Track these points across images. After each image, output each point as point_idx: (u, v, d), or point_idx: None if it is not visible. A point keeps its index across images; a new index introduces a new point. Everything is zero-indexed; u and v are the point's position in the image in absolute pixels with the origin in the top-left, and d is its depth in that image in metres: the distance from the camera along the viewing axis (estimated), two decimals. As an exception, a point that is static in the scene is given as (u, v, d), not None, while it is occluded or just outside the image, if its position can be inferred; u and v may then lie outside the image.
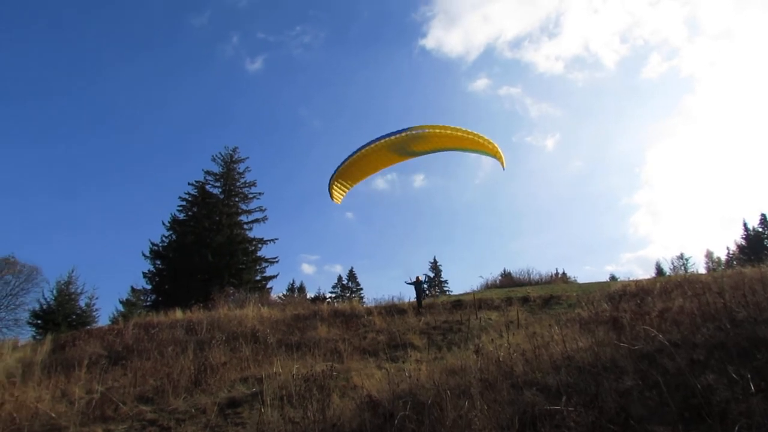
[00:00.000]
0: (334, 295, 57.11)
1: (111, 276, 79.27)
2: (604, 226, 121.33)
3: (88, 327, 30.70)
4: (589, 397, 5.79)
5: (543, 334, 10.56)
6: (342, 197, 19.48)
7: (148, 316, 24.30)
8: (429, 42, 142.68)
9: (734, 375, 5.56)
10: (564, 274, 33.98)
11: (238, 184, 42.22)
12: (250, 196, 42.26)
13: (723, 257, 56.20)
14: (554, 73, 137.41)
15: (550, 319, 14.39)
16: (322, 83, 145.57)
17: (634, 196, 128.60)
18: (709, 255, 57.74)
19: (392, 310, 20.51)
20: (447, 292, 55.46)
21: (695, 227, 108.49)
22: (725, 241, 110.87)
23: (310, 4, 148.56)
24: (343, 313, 20.45)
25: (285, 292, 47.65)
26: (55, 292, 36.48)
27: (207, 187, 41.54)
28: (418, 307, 20.62)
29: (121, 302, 37.07)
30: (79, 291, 37.39)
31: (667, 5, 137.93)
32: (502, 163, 17.38)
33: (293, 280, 59.58)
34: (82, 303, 37.05)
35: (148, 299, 37.69)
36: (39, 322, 34.92)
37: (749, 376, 5.42)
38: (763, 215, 55.44)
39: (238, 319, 20.20)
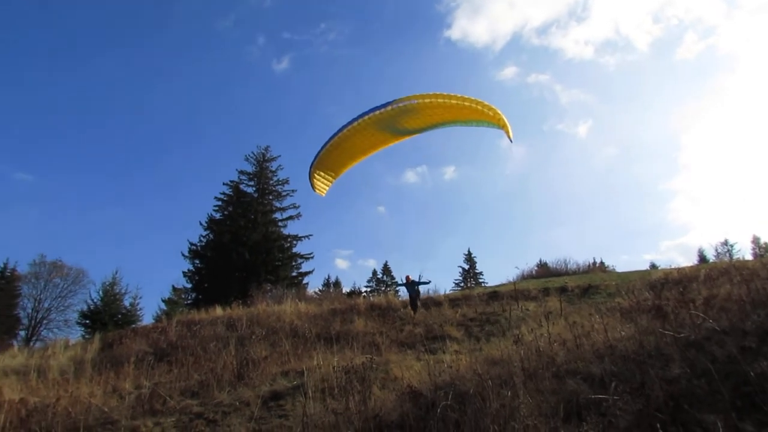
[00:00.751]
0: (369, 289, 57.41)
1: (153, 276, 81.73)
2: (641, 214, 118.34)
3: (134, 326, 31.69)
4: (635, 385, 5.68)
5: (583, 323, 10.38)
6: (327, 188, 17.20)
7: (190, 314, 24.93)
8: (454, 33, 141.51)
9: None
10: (602, 263, 33.33)
11: (271, 182, 42.83)
12: (284, 193, 42.86)
13: (772, 242, 54.03)
14: (584, 58, 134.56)
15: (590, 309, 14.15)
16: (348, 80, 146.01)
17: (672, 181, 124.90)
18: (755, 240, 55.57)
19: (428, 302, 20.51)
20: (482, 284, 55.13)
21: (739, 212, 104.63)
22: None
23: (332, 0, 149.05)
24: (380, 307, 20.54)
25: (321, 288, 48.18)
26: (101, 293, 37.84)
27: (241, 186, 42.31)
28: (413, 311, 18.73)
29: (163, 301, 38.15)
30: (123, 291, 38.70)
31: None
32: (508, 134, 14.19)
33: (328, 275, 60.27)
34: (126, 303, 38.34)
35: (189, 297, 38.67)
36: (87, 321, 36.26)
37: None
38: (812, 197, 53.13)
39: (277, 314, 20.52)
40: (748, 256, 42.96)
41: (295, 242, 41.12)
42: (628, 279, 19.77)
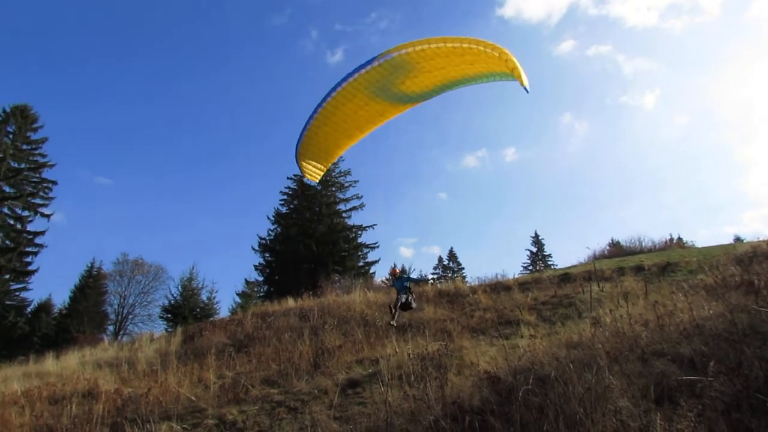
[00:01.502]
0: (436, 276, 57.36)
1: (227, 270, 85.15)
2: (718, 185, 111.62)
3: (212, 318, 33.23)
4: (731, 365, 5.37)
5: (665, 303, 9.92)
6: (320, 174, 14.77)
7: (264, 306, 25.81)
8: (507, 11, 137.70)
9: None
10: (679, 239, 31.71)
11: (333, 174, 43.46)
12: (346, 184, 43.44)
13: None
14: (647, 24, 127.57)
15: (670, 287, 13.50)
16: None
17: (750, 148, 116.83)
18: None
19: (497, 287, 20.23)
20: (552, 266, 53.84)
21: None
22: None
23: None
24: (448, 293, 20.48)
25: (388, 276, 48.59)
26: (180, 288, 39.90)
27: (305, 179, 43.22)
28: (393, 311, 14.78)
29: (237, 294, 39.78)
30: (200, 286, 40.62)
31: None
32: (521, 82, 10.86)
33: (394, 264, 60.55)
34: (204, 297, 40.22)
35: (262, 290, 40.04)
36: (169, 316, 38.37)
37: None
38: None
39: (347, 304, 20.88)
40: None
41: (360, 232, 41.65)
42: (710, 254, 18.69)
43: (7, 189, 36.84)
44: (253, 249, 41.01)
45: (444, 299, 19.47)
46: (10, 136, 37.82)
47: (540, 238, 63.67)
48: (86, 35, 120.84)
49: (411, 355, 9.99)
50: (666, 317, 8.48)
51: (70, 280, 45.81)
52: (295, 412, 9.20)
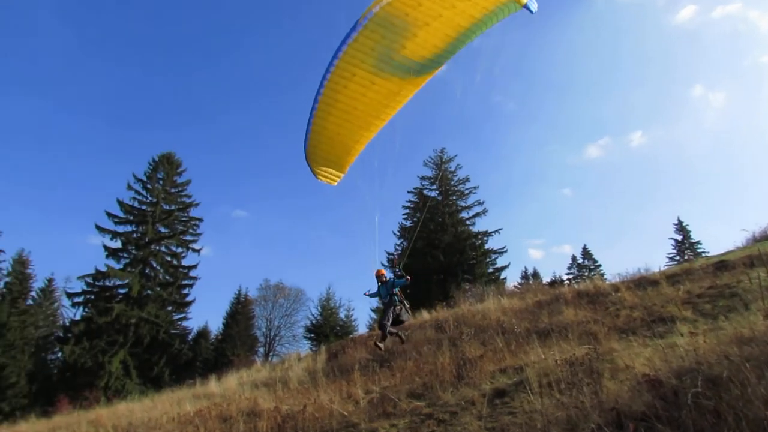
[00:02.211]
0: (571, 276, 54.78)
1: (360, 288, 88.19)
2: None
3: (352, 335, 34.60)
4: None
5: None
6: (338, 176, 12.85)
7: (399, 320, 26.26)
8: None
9: None
10: None
11: (452, 182, 43.49)
12: (466, 192, 43.23)
13: None
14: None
15: None
16: (506, 64, 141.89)
17: None
18: None
19: (641, 282, 18.79)
20: (703, 254, 48.99)
21: None
22: None
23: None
24: (587, 293, 19.41)
25: (520, 281, 47.40)
26: (319, 308, 42.14)
27: (425, 191, 43.77)
28: (381, 331, 11.41)
29: (372, 310, 41.03)
30: (337, 305, 42.56)
31: None
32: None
33: (525, 268, 59.06)
34: (342, 315, 42.07)
35: (395, 304, 40.83)
36: (312, 335, 40.62)
37: None
38: None
39: (481, 312, 20.63)
40: None
41: (485, 239, 41.16)
42: None
43: (162, 229, 41.59)
44: (383, 264, 42.15)
45: (584, 300, 18.48)
46: (161, 182, 42.72)
47: (684, 224, 58.33)
48: (213, 92, 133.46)
49: (558, 361, 9.61)
50: None
51: (221, 307, 50.36)
52: (444, 424, 9.25)
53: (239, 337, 45.42)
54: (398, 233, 42.94)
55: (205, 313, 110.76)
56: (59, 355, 42.60)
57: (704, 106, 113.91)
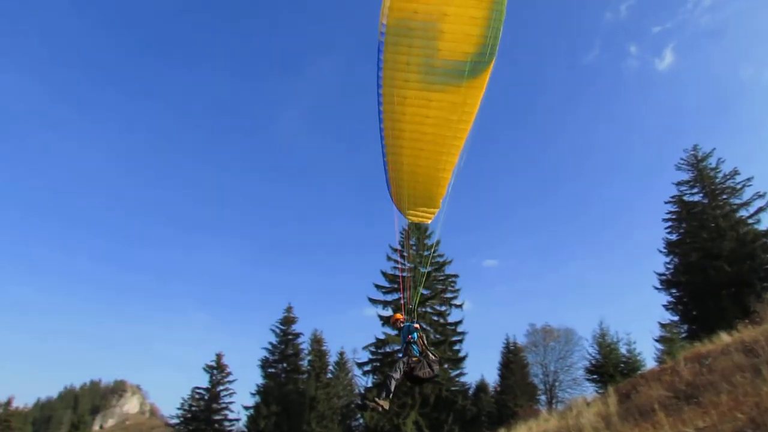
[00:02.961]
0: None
1: (634, 317, 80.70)
2: None
3: (639, 371, 31.25)
4: None
5: None
6: (431, 212, 11.84)
7: (693, 348, 23.07)
8: None
9: None
10: None
11: (717, 180, 37.58)
12: (739, 187, 36.74)
13: None
14: None
15: None
16: (751, 33, 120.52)
17: None
18: None
19: None
20: None
21: None
22: None
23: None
24: None
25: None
26: (596, 346, 39.18)
27: (685, 197, 38.69)
28: (390, 379, 9.55)
29: (655, 340, 36.65)
30: (615, 340, 38.87)
31: None
32: None
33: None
34: (623, 350, 38.26)
35: (682, 330, 36.06)
36: (594, 376, 37.81)
37: None
38: None
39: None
40: None
41: (781, 234, 34.01)
42: None
43: (424, 292, 44.07)
44: (656, 288, 37.89)
45: None
46: (414, 248, 45.76)
47: None
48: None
49: None
50: None
51: (493, 358, 50.42)
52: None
53: (518, 387, 44.62)
54: (665, 250, 38.30)
55: (479, 366, 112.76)
56: (360, 421, 47.39)
57: None
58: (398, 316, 10.78)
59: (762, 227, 34.86)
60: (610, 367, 35.93)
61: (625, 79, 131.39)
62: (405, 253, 44.90)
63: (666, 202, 39.62)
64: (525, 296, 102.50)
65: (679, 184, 39.46)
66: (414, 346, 9.69)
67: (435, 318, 43.60)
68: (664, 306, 37.15)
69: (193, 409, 52.32)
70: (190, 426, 51.93)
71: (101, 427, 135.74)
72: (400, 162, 11.08)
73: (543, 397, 48.08)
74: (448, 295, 44.38)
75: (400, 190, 11.48)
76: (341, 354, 55.19)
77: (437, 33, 9.67)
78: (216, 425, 51.43)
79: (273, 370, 51.93)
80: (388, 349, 42.36)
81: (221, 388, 53.22)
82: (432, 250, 45.48)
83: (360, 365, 43.72)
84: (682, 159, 40.09)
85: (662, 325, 37.08)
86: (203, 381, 53.48)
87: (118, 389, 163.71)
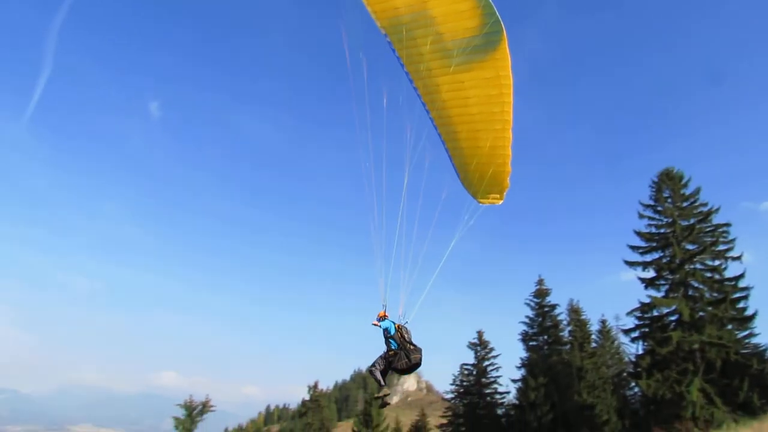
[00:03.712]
0: None
1: None
2: None
3: None
4: None
5: None
6: (499, 191, 11.76)
7: None
8: None
9: None
10: None
11: None
12: None
13: None
14: None
15: None
16: None
17: None
18: None
19: None
20: None
21: None
22: None
23: None
24: None
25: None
26: None
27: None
28: (372, 371, 10.78)
29: None
30: None
31: None
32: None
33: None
34: None
35: None
36: None
37: None
38: None
39: None
40: None
41: None
42: None
43: (689, 246, 39.33)
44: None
45: None
46: (669, 200, 41.14)
47: None
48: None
49: None
50: None
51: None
52: None
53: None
54: None
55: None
56: (636, 390, 44.76)
57: None
58: (382, 313, 11.10)
59: None
60: None
61: None
62: (659, 208, 40.95)
63: None
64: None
65: None
66: (392, 341, 10.59)
67: (708, 275, 38.74)
68: None
69: (464, 384, 55.95)
70: (464, 400, 55.71)
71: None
72: (460, 147, 11.42)
73: None
74: (721, 247, 38.98)
75: (466, 175, 11.74)
76: (603, 322, 53.03)
77: (430, 19, 10.16)
78: (488, 398, 54.11)
79: (534, 343, 52.56)
80: (656, 313, 39.31)
81: (487, 363, 55.76)
82: (692, 201, 40.60)
83: (626, 332, 41.48)
84: None
85: None
86: (469, 358, 56.76)
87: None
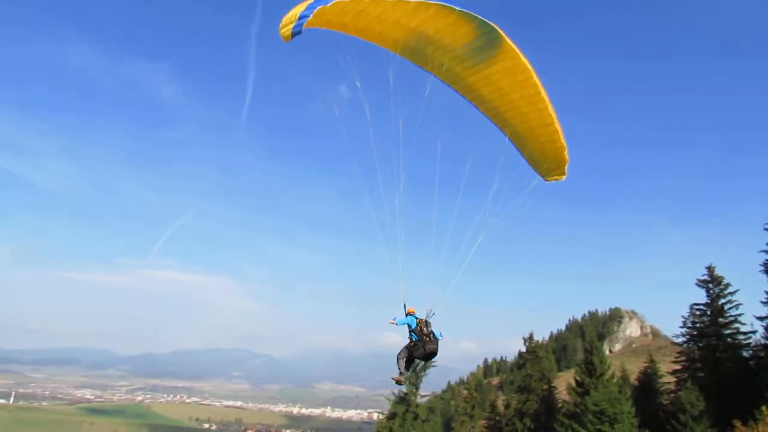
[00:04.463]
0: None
1: None
2: None
3: None
4: None
5: None
6: (564, 164, 12.46)
7: None
8: None
9: None
10: None
11: None
12: None
13: None
14: None
15: None
16: None
17: None
18: None
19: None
20: None
21: None
22: None
23: None
24: None
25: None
26: None
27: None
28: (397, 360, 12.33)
29: None
30: None
31: None
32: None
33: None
34: None
35: None
36: None
37: None
38: None
39: None
40: None
41: None
42: None
43: None
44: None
45: None
46: None
47: None
48: None
49: None
50: None
51: None
52: None
53: None
54: None
55: None
56: None
57: None
58: (411, 310, 12.15)
59: None
60: None
61: None
62: None
63: None
64: None
65: None
66: (413, 334, 11.81)
67: None
68: None
69: (698, 325, 50.50)
70: (699, 343, 50.41)
71: (610, 351, 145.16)
72: (516, 132, 12.08)
73: None
74: None
75: (530, 158, 12.46)
76: None
77: (430, 38, 11.02)
78: (729, 339, 48.16)
79: (782, 271, 45.05)
80: None
81: (723, 301, 49.37)
82: None
83: None
84: None
85: None
86: (700, 297, 50.94)
87: (615, 316, 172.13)
